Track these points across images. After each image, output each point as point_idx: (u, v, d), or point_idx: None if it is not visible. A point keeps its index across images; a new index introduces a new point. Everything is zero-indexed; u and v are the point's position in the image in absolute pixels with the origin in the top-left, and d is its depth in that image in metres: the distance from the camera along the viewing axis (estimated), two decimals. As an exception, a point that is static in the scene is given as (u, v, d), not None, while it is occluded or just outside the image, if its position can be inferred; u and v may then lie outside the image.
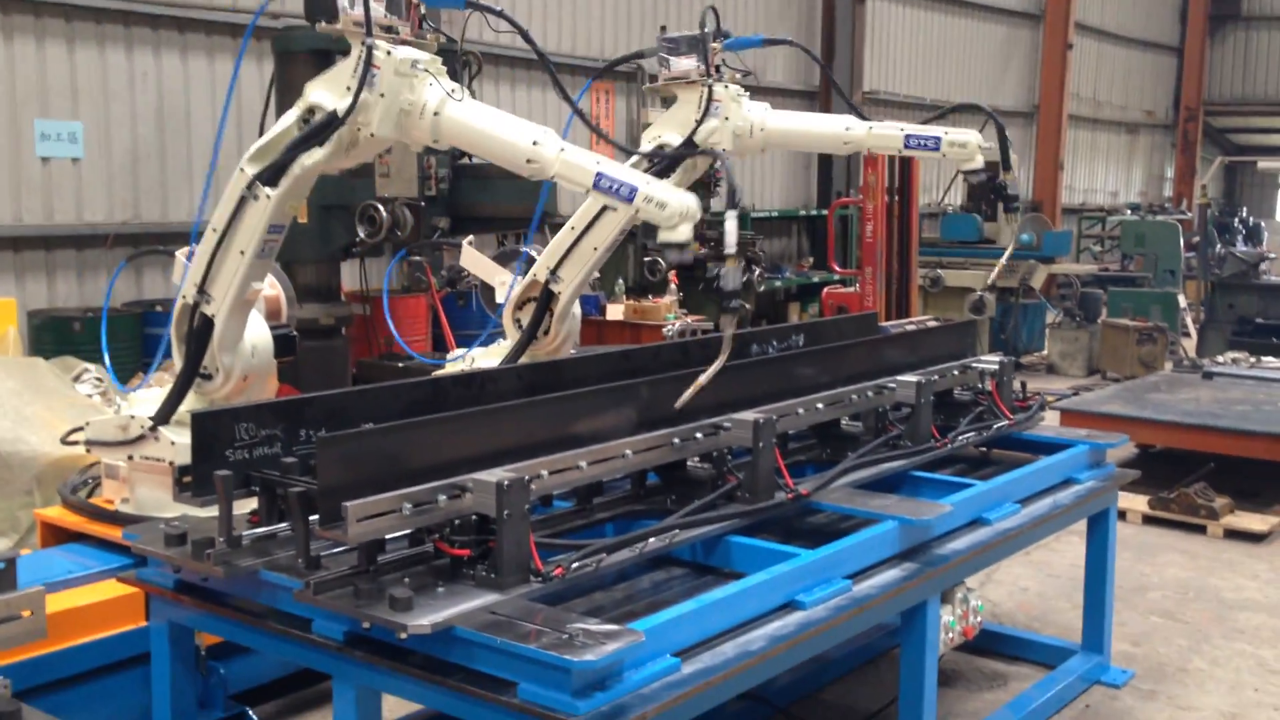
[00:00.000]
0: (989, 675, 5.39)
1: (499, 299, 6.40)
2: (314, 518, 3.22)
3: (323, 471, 3.16)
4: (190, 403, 4.73)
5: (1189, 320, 14.84)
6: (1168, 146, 27.36)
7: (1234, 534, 7.54)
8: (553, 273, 5.64)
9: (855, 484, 4.45)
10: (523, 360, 5.87)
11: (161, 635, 3.84)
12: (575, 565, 3.39)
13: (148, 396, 4.93)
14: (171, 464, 4.66)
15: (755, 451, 4.07)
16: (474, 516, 3.35)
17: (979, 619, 4.52)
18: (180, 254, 4.98)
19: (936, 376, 5.05)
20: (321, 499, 3.15)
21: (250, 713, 4.77)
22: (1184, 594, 6.55)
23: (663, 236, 4.06)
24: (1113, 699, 5.18)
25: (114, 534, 4.70)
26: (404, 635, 3.01)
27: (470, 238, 7.04)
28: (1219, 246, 15.18)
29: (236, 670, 4.70)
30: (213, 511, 3.50)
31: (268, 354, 4.89)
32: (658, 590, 3.76)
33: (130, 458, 4.79)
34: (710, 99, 5.27)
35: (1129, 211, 20.65)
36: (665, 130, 5.38)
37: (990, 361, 5.45)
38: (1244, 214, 27.52)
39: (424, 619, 3.03)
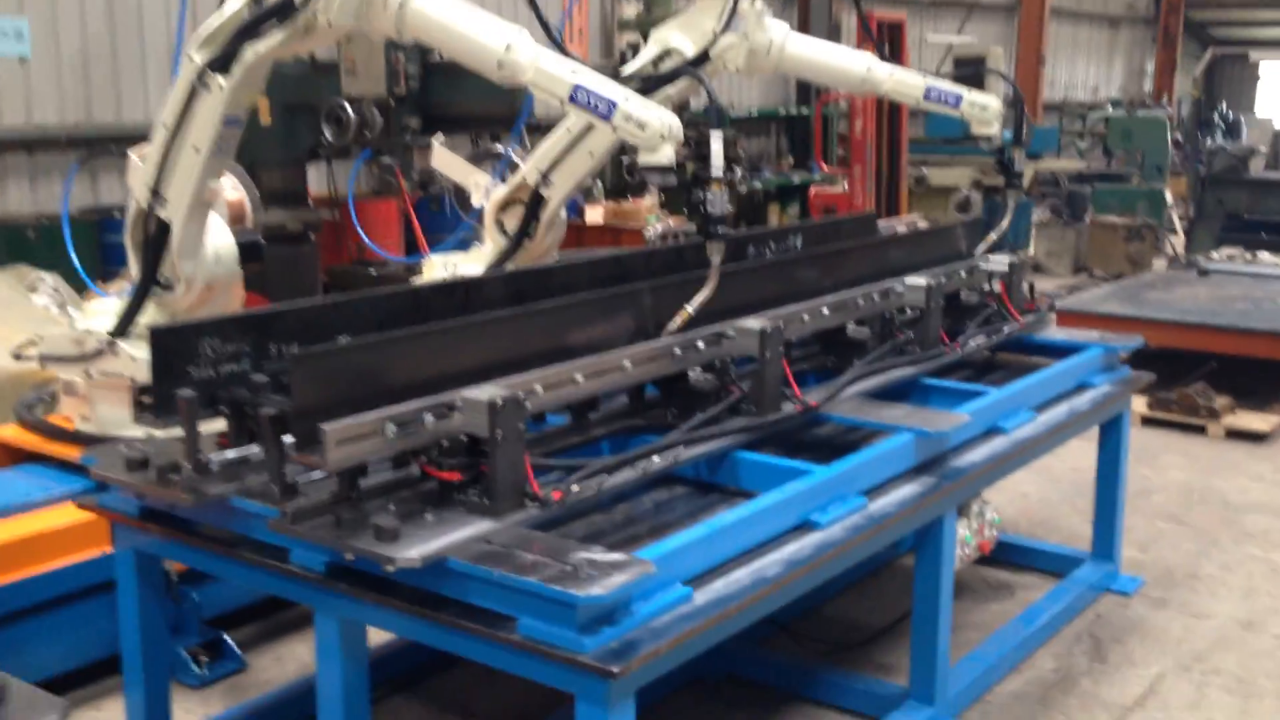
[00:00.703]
0: (995, 585, 5.20)
1: (474, 201, 6.08)
2: (289, 440, 2.94)
3: (297, 391, 2.87)
4: (150, 315, 4.41)
5: (1175, 217, 14.60)
6: (1148, 41, 26.89)
7: (1235, 434, 7.37)
8: (544, 176, 5.31)
9: (864, 393, 4.19)
10: (508, 266, 5.58)
11: (127, 564, 3.56)
12: (575, 488, 3.13)
13: (104, 308, 4.61)
14: (133, 381, 4.37)
15: (761, 361, 3.80)
16: (464, 437, 3.08)
17: (995, 532, 4.31)
18: (134, 154, 4.63)
19: (945, 279, 4.77)
20: (296, 421, 2.87)
21: (227, 638, 4.54)
22: (1188, 497, 6.38)
23: (643, 159, 3.78)
24: (1123, 607, 5.01)
25: (74, 454, 4.41)
26: (391, 569, 2.75)
27: (440, 137, 6.66)
28: (1209, 141, 14.90)
29: (211, 595, 4.47)
30: (179, 432, 3.21)
31: (232, 261, 4.56)
32: (661, 511, 3.51)
33: (88, 374, 4.48)
34: (734, 11, 4.88)
35: (1110, 108, 20.30)
36: (676, 35, 5.00)
37: (999, 262, 5.17)
38: (1224, 109, 27.26)
39: (413, 550, 2.77)
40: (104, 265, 8.47)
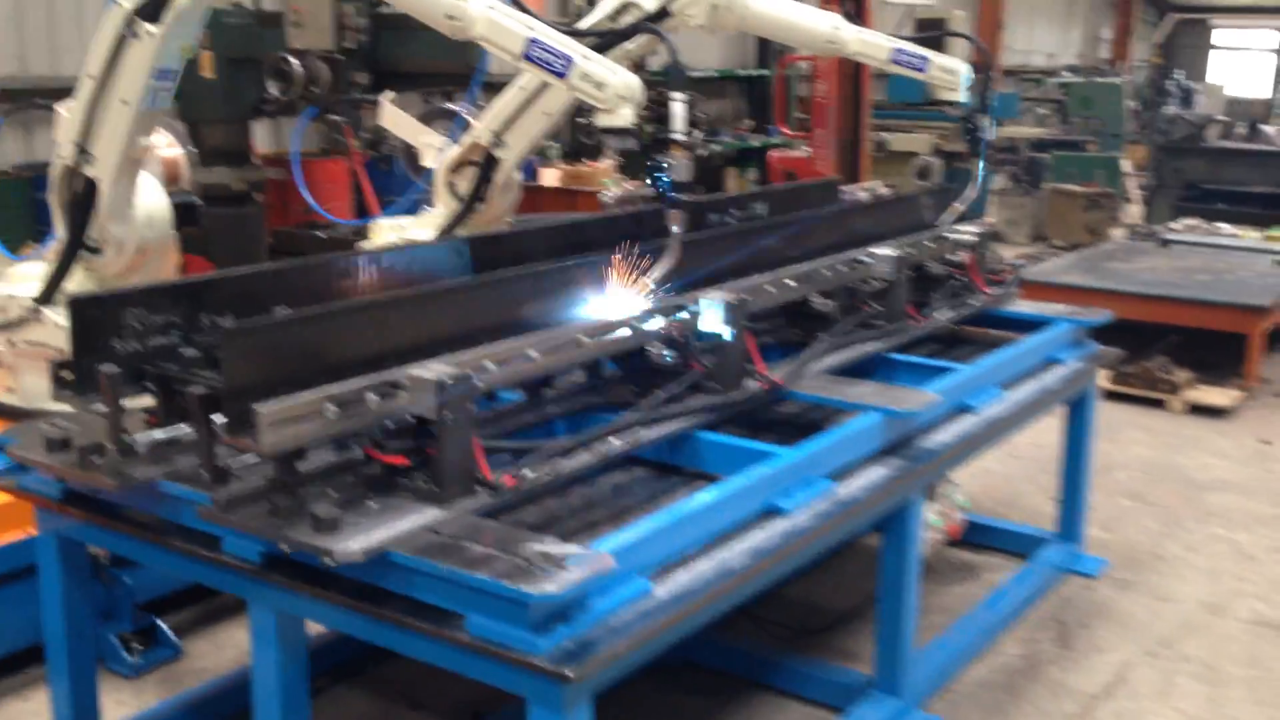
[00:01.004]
0: (958, 566, 5.08)
1: (425, 162, 5.86)
2: (220, 419, 2.73)
3: (229, 368, 2.65)
4: (77, 281, 4.17)
5: (1132, 185, 14.54)
6: (1105, 6, 26.86)
7: (1196, 409, 7.29)
8: (497, 136, 5.10)
9: (829, 370, 4.03)
10: (460, 231, 5.37)
11: (49, 549, 3.35)
12: (528, 474, 2.94)
13: (29, 273, 4.35)
14: (60, 351, 4.12)
15: (729, 338, 3.62)
16: (410, 418, 2.88)
17: (962, 515, 4.17)
18: (61, 108, 4.36)
19: (912, 249, 4.61)
20: (228, 401, 2.65)
21: (160, 624, 4.32)
22: (1150, 473, 6.29)
23: (602, 120, 3.61)
24: (1089, 590, 4.90)
25: (-3, 428, 4.17)
26: (330, 563, 2.56)
27: (390, 94, 6.41)
28: (1171, 109, 14.85)
29: (144, 579, 4.24)
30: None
31: (166, 224, 4.32)
32: (619, 495, 3.33)
33: (11, 343, 4.23)
34: None
35: (1065, 74, 20.22)
36: None
37: (967, 231, 5.02)
38: (1177, 76, 27.27)
39: (354, 543, 2.57)
40: (38, 225, 8.15)
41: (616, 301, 3.61)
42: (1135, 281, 8.03)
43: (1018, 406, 4.24)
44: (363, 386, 2.78)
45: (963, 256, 4.95)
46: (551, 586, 2.45)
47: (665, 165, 3.60)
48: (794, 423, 3.92)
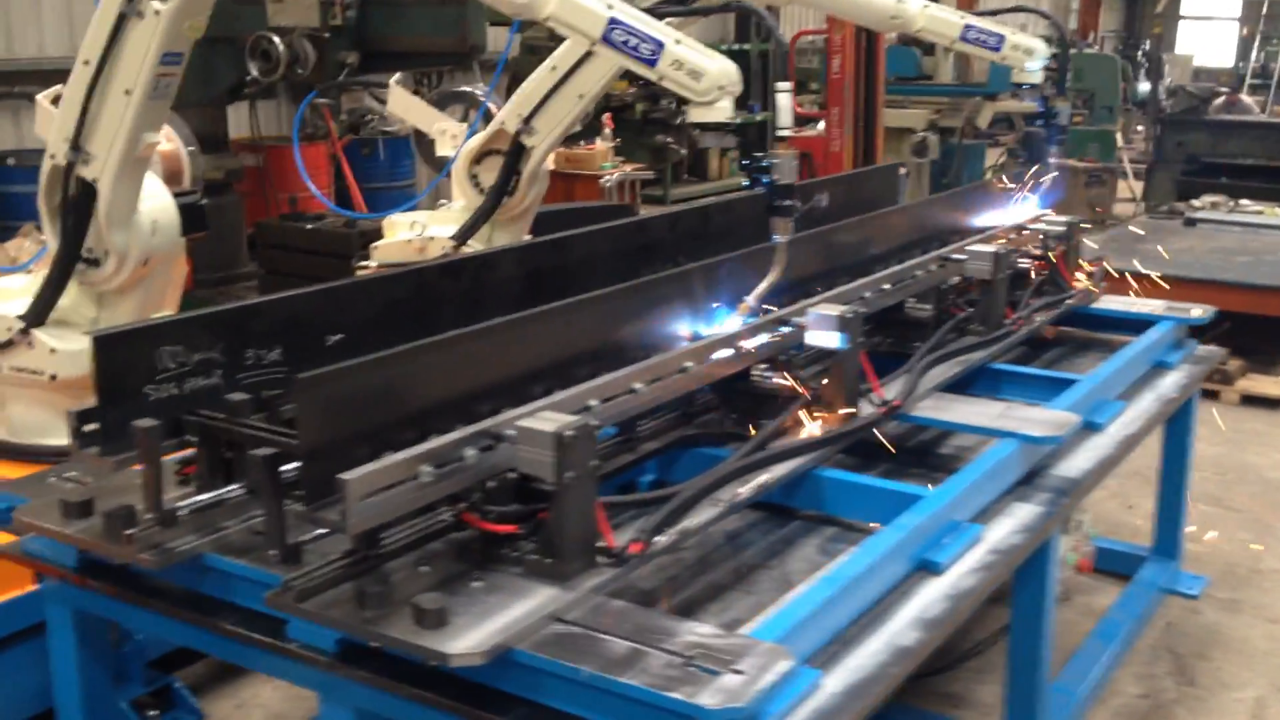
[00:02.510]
0: (1046, 587, 4.63)
1: (441, 151, 5.32)
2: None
3: (305, 427, 2.15)
4: (72, 297, 3.62)
5: (1125, 159, 14.18)
6: (1073, -25, 26.58)
7: (1250, 399, 6.90)
8: (526, 122, 4.58)
9: (937, 386, 3.56)
10: (486, 228, 4.85)
11: (63, 625, 2.82)
12: (659, 539, 2.45)
13: (13, 287, 3.80)
14: (53, 378, 3.59)
15: (839, 355, 3.14)
16: (510, 474, 2.38)
17: (1091, 546, 3.71)
18: (43, 99, 3.80)
19: (1006, 244, 4.15)
20: (306, 468, 2.14)
21: (178, 683, 3.79)
22: (1224, 474, 5.89)
23: (695, 114, 3.14)
24: (1194, 613, 4.48)
25: (-18, 468, 3.63)
26: (443, 666, 2.06)
27: (399, 75, 5.86)
28: (1169, 80, 14.52)
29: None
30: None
31: (173, 229, 3.78)
32: (738, 548, 2.85)
33: None
34: None
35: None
36: None
37: (1057, 222, 4.57)
38: (1146, 47, 27.05)
39: (468, 639, 2.08)
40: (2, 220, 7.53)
41: (714, 318, 3.14)
42: (1175, 265, 7.60)
43: (1145, 420, 3.79)
44: (459, 440, 2.29)
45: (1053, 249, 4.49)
46: (727, 698, 1.96)
47: (768, 163, 3.11)
48: (903, 446, 3.46)
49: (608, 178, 8.69)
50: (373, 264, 5.01)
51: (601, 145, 9.13)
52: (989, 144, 13.74)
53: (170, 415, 2.47)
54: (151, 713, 3.65)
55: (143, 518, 2.44)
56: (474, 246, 4.82)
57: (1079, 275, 4.59)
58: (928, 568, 2.71)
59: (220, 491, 2.48)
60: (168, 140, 4.29)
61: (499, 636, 2.09)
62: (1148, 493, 4.84)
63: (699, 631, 2.16)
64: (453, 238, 4.80)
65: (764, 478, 2.81)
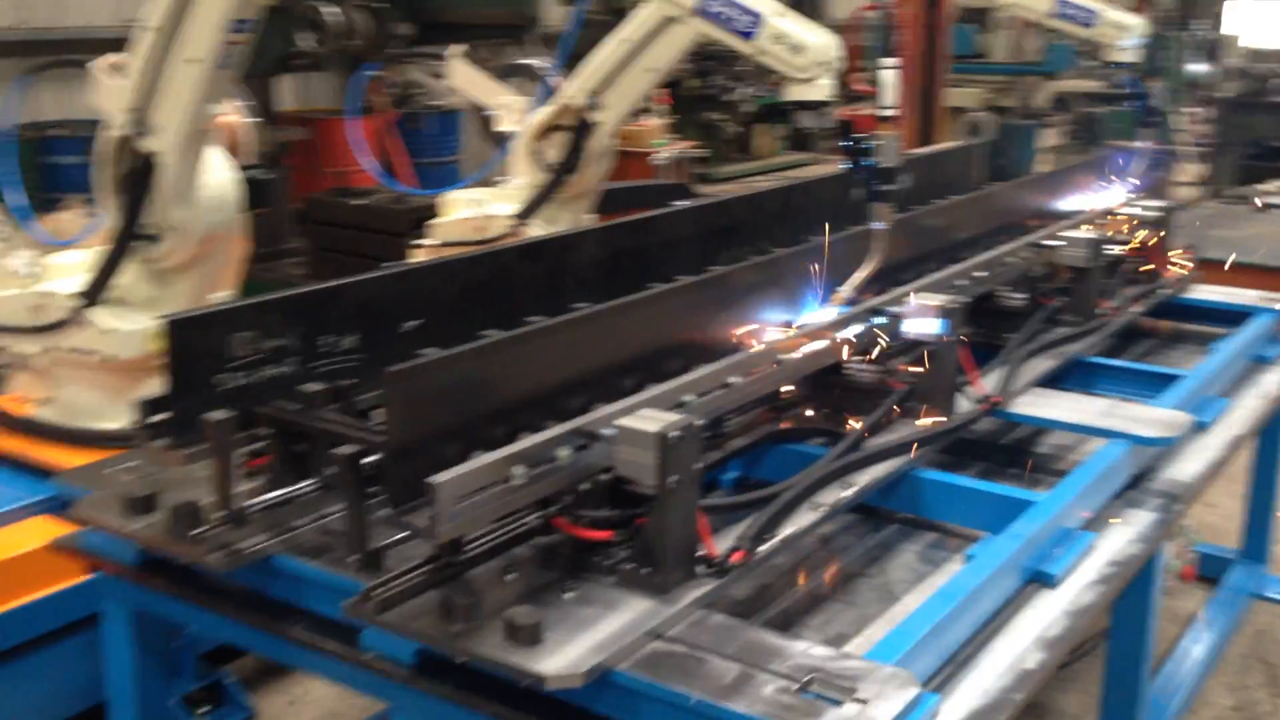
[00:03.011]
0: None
1: (503, 127, 5.15)
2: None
3: (393, 423, 1.99)
4: (131, 275, 3.48)
5: (1185, 142, 13.84)
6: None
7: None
8: (593, 97, 4.40)
9: (1034, 380, 3.37)
10: (550, 206, 4.69)
11: (119, 625, 2.69)
12: (761, 546, 2.28)
13: (68, 263, 3.65)
14: (107, 359, 3.45)
15: (938, 347, 2.96)
16: (602, 475, 2.22)
17: (1193, 554, 3.52)
18: (100, 67, 3.64)
19: (1106, 231, 3.96)
20: (392, 467, 1.99)
21: (228, 679, 3.66)
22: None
23: (794, 92, 2.96)
24: (1283, 620, 4.28)
25: (30, 450, 3.51)
26: (538, 686, 1.90)
27: (457, 48, 5.68)
28: (1231, 61, 14.13)
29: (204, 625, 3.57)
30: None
31: (236, 205, 3.63)
32: (832, 554, 2.68)
33: (50, 349, 3.54)
34: None
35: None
36: None
37: (1153, 206, 4.36)
38: (1193, 27, 26.45)
39: (565, 660, 1.91)
40: (43, 191, 7.42)
41: (807, 307, 2.97)
42: (1259, 254, 7.31)
43: (1252, 419, 3.58)
44: (552, 439, 2.12)
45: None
46: (852, 729, 1.80)
47: (869, 145, 2.93)
48: (993, 444, 3.28)
49: (660, 155, 8.49)
50: (431, 242, 4.86)
51: (655, 122, 8.92)
52: (1040, 125, 13.46)
53: (241, 405, 2.31)
54: (203, 709, 3.56)
55: (209, 515, 2.29)
56: (536, 225, 4.66)
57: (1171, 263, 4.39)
58: (1040, 580, 2.53)
59: (292, 488, 2.34)
60: (231, 112, 4.14)
61: (597, 655, 1.93)
62: (1228, 490, 4.62)
63: (813, 654, 1.99)
64: (516, 215, 4.64)
65: (865, 479, 2.63)
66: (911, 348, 3.03)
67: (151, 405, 2.27)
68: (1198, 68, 15.17)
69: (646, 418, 2.12)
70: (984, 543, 2.56)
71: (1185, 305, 4.38)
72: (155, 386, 2.26)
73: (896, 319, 3.00)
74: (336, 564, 2.25)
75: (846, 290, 2.95)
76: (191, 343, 2.26)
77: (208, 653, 3.65)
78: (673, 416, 2.12)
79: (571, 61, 4.88)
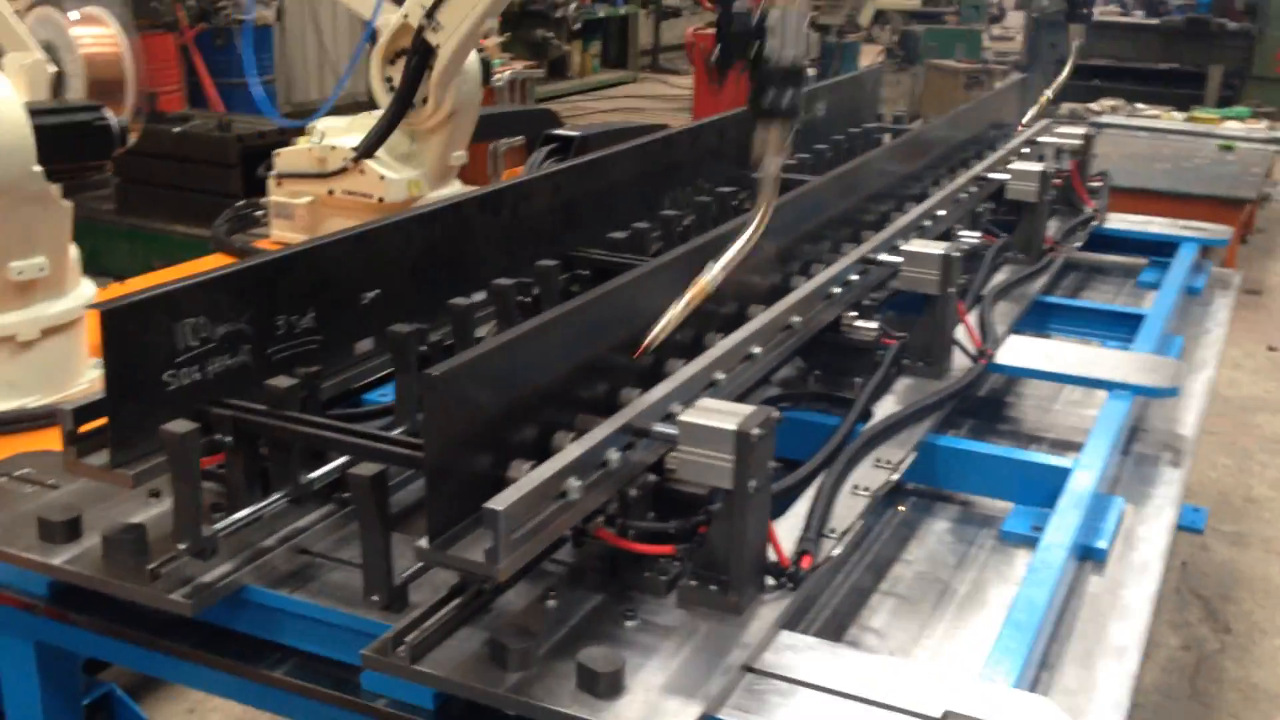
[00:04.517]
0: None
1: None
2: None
3: (436, 436, 1.60)
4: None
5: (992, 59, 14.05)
6: None
7: (1184, 314, 6.76)
8: (429, 16, 3.89)
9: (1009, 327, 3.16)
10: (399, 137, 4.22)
11: (23, 661, 2.22)
12: (833, 549, 1.99)
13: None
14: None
15: (936, 300, 2.71)
16: (650, 477, 1.88)
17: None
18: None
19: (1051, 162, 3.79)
20: (434, 489, 1.60)
21: (118, 690, 3.17)
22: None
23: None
24: (1204, 550, 4.28)
25: None
26: (631, 751, 1.57)
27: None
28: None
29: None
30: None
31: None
32: (857, 535, 2.40)
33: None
34: None
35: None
36: None
37: (1073, 134, 4.20)
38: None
39: (660, 711, 1.59)
40: None
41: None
42: (1124, 176, 7.35)
43: (1215, 359, 3.47)
44: (604, 441, 1.77)
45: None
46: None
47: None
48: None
49: (498, 76, 7.97)
50: (274, 173, 4.40)
51: (490, 41, 8.38)
52: (862, 43, 13.43)
53: (193, 408, 1.87)
54: (94, 729, 3.07)
55: (158, 542, 1.86)
56: (384, 160, 4.17)
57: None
58: (1090, 556, 2.32)
59: (260, 505, 1.91)
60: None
61: (696, 705, 1.61)
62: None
63: (943, 684, 1.71)
64: (354, 148, 4.15)
65: (899, 453, 2.36)
66: (902, 303, 2.79)
67: (79, 413, 1.80)
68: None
69: (716, 411, 1.78)
70: (1017, 515, 2.36)
71: (1101, 234, 4.26)
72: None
73: (889, 269, 2.74)
74: (324, 594, 1.86)
75: (733, 255, 2.23)
76: (132, 334, 1.80)
77: (87, 662, 3.17)
78: (747, 409, 1.79)
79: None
